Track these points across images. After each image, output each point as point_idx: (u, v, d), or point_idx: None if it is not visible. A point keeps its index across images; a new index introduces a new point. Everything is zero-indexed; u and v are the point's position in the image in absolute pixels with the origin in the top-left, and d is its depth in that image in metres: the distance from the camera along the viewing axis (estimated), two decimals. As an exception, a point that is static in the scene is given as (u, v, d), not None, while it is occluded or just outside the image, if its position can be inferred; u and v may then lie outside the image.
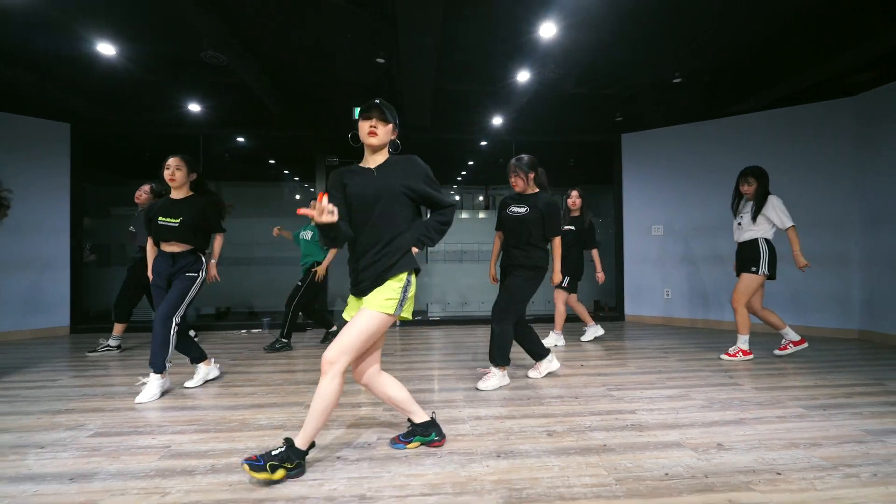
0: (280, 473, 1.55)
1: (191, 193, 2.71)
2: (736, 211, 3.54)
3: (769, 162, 4.88)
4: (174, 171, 2.61)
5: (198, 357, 2.83)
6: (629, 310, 5.61)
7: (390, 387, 1.83)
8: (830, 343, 4.11)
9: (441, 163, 7.51)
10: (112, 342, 3.84)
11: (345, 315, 1.81)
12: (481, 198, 8.07)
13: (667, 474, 1.65)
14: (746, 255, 3.37)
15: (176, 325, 2.55)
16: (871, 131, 4.30)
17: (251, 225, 6.05)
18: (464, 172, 7.84)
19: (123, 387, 2.78)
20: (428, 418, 1.90)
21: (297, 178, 6.93)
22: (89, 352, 3.81)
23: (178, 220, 2.56)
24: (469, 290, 6.22)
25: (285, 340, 3.92)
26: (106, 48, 3.32)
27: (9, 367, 3.33)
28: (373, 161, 1.80)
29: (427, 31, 2.99)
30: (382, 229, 1.70)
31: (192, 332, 2.62)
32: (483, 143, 5.97)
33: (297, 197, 6.95)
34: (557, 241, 2.87)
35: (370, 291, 1.69)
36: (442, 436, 1.91)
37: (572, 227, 4.00)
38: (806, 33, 3.35)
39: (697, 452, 1.82)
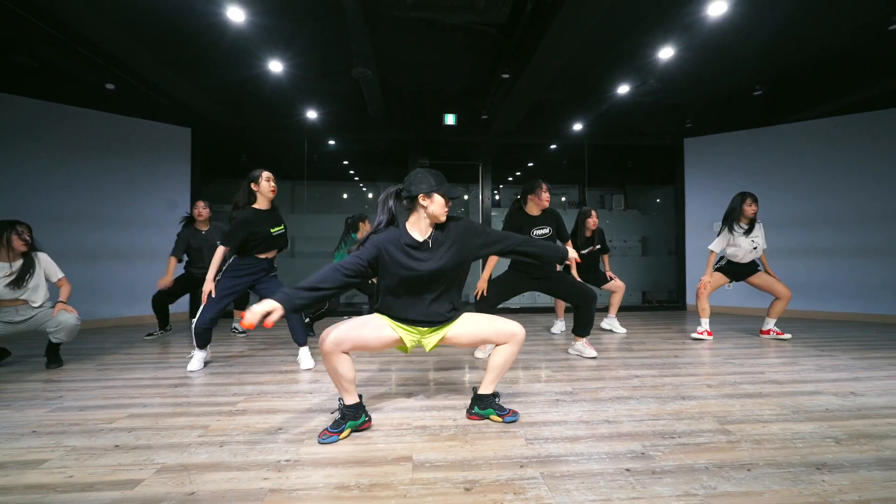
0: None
1: (271, 205, 2.92)
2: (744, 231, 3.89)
3: (827, 167, 5.38)
4: (274, 185, 2.85)
5: (202, 344, 2.94)
6: (690, 299, 6.11)
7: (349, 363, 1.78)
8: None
9: (504, 163, 8.02)
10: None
11: (407, 339, 1.88)
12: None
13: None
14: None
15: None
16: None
17: (340, 221, 6.55)
18: (518, 173, 8.34)
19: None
20: (357, 400, 1.81)
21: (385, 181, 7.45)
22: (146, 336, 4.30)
23: (283, 227, 2.94)
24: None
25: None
26: (275, 65, 3.82)
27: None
28: (424, 230, 1.82)
29: (563, 54, 3.49)
30: (450, 290, 1.90)
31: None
32: (553, 146, 6.47)
33: (371, 196, 7.45)
34: (569, 244, 3.17)
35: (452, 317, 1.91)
36: (369, 417, 1.85)
37: (598, 246, 4.27)
38: (868, 52, 3.88)
39: (838, 397, 2.33)
